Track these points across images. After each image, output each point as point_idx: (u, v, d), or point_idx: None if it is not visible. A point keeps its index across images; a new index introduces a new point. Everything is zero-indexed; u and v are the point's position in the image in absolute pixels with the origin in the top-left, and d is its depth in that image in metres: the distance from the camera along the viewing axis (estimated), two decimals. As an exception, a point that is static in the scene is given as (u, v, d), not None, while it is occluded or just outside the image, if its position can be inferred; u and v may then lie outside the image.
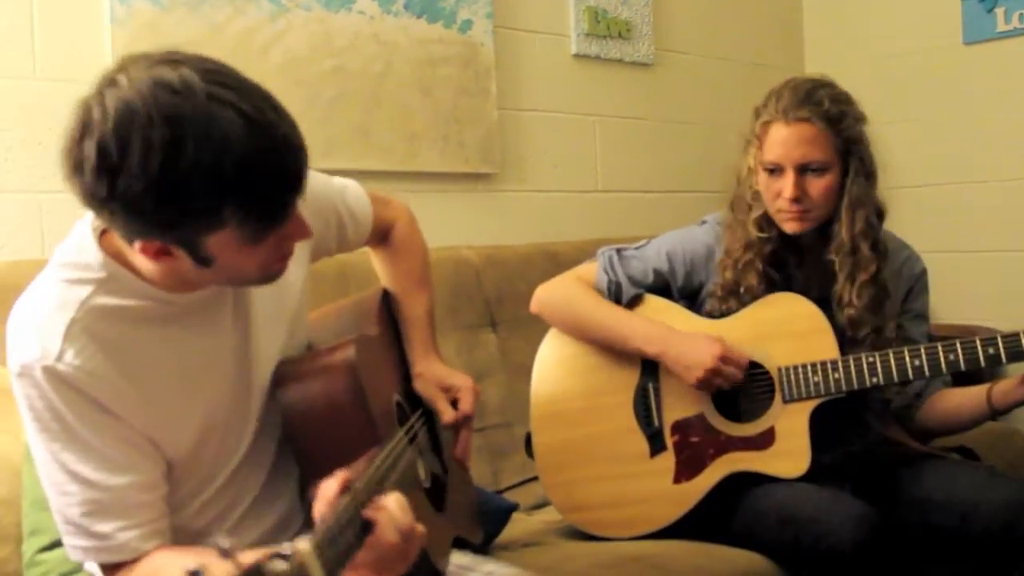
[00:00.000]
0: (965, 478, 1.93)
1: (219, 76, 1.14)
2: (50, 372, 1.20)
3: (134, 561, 1.25)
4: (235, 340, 1.36)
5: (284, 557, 0.89)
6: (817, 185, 1.93)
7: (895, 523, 1.89)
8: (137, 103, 1.10)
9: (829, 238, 1.98)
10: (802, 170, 1.92)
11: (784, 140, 1.92)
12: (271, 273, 1.27)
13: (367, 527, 1.08)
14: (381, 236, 1.71)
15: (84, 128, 1.11)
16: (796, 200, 1.92)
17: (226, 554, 0.84)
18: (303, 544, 0.91)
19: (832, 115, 1.91)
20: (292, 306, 1.46)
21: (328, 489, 1.11)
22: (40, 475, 1.26)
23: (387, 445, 1.29)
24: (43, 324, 1.22)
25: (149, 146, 1.08)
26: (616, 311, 2.04)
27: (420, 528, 1.15)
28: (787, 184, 1.92)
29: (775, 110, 1.93)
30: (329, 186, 1.57)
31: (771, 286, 2.00)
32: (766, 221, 1.99)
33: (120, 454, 1.24)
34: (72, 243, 1.28)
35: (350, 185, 1.63)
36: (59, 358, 1.20)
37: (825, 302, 1.98)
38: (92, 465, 1.22)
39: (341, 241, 1.61)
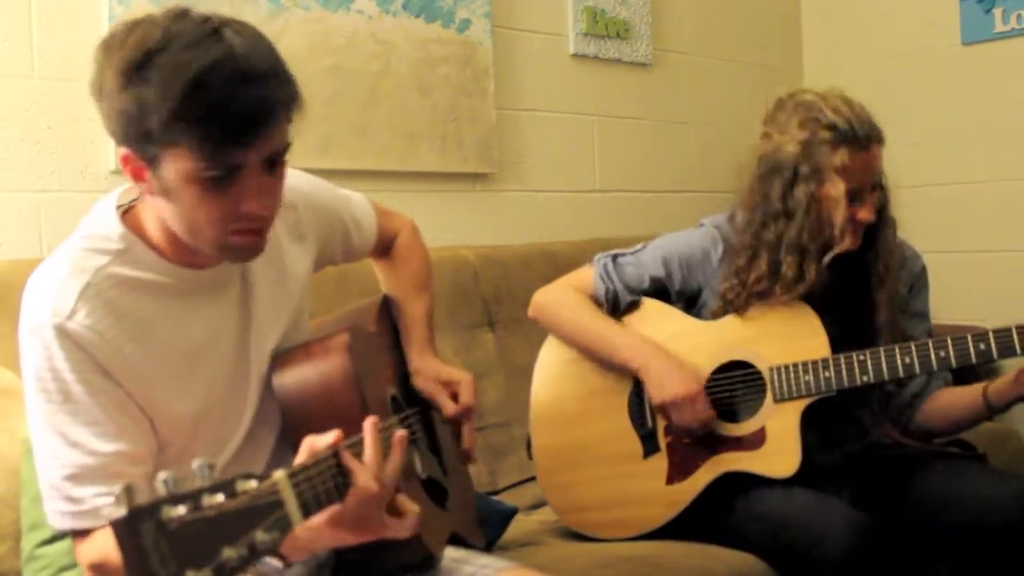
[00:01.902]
0: (977, 473, 1.94)
1: (236, 24, 1.21)
2: (60, 329, 1.23)
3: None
4: (238, 324, 1.39)
5: (258, 478, 0.92)
6: (877, 199, 1.94)
7: (900, 523, 1.90)
8: (160, 14, 1.21)
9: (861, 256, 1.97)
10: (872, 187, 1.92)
11: (864, 165, 1.89)
12: (231, 244, 1.26)
13: (347, 477, 1.12)
14: (384, 247, 1.74)
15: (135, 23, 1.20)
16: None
17: (202, 471, 0.88)
18: (279, 471, 0.95)
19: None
20: (295, 299, 1.47)
21: (313, 442, 1.14)
22: (32, 440, 1.28)
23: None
24: (59, 285, 1.26)
25: (147, 38, 1.17)
26: (608, 324, 2.04)
27: (395, 470, 1.19)
28: (868, 206, 1.90)
29: (851, 142, 1.86)
30: (335, 195, 1.61)
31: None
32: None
33: (113, 422, 1.26)
34: (94, 218, 1.33)
35: (355, 196, 1.66)
36: (71, 316, 1.24)
37: (852, 313, 1.98)
38: (83, 429, 1.24)
39: (347, 250, 1.64)
